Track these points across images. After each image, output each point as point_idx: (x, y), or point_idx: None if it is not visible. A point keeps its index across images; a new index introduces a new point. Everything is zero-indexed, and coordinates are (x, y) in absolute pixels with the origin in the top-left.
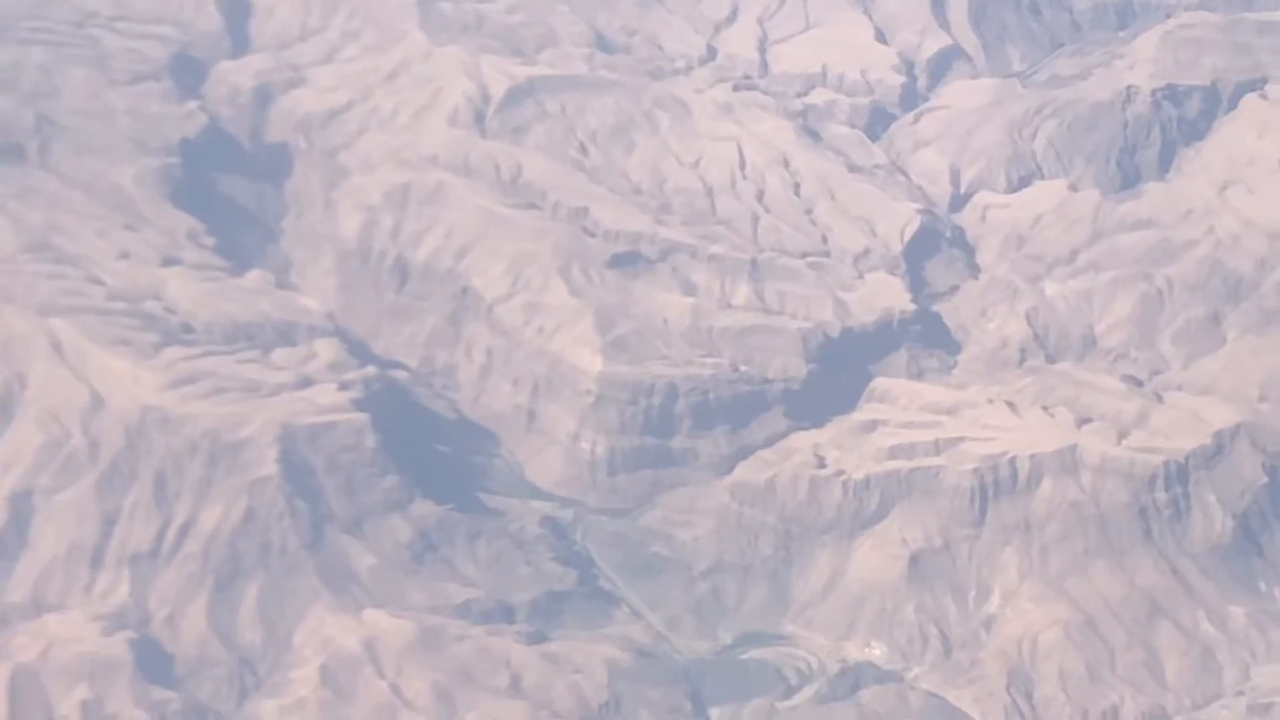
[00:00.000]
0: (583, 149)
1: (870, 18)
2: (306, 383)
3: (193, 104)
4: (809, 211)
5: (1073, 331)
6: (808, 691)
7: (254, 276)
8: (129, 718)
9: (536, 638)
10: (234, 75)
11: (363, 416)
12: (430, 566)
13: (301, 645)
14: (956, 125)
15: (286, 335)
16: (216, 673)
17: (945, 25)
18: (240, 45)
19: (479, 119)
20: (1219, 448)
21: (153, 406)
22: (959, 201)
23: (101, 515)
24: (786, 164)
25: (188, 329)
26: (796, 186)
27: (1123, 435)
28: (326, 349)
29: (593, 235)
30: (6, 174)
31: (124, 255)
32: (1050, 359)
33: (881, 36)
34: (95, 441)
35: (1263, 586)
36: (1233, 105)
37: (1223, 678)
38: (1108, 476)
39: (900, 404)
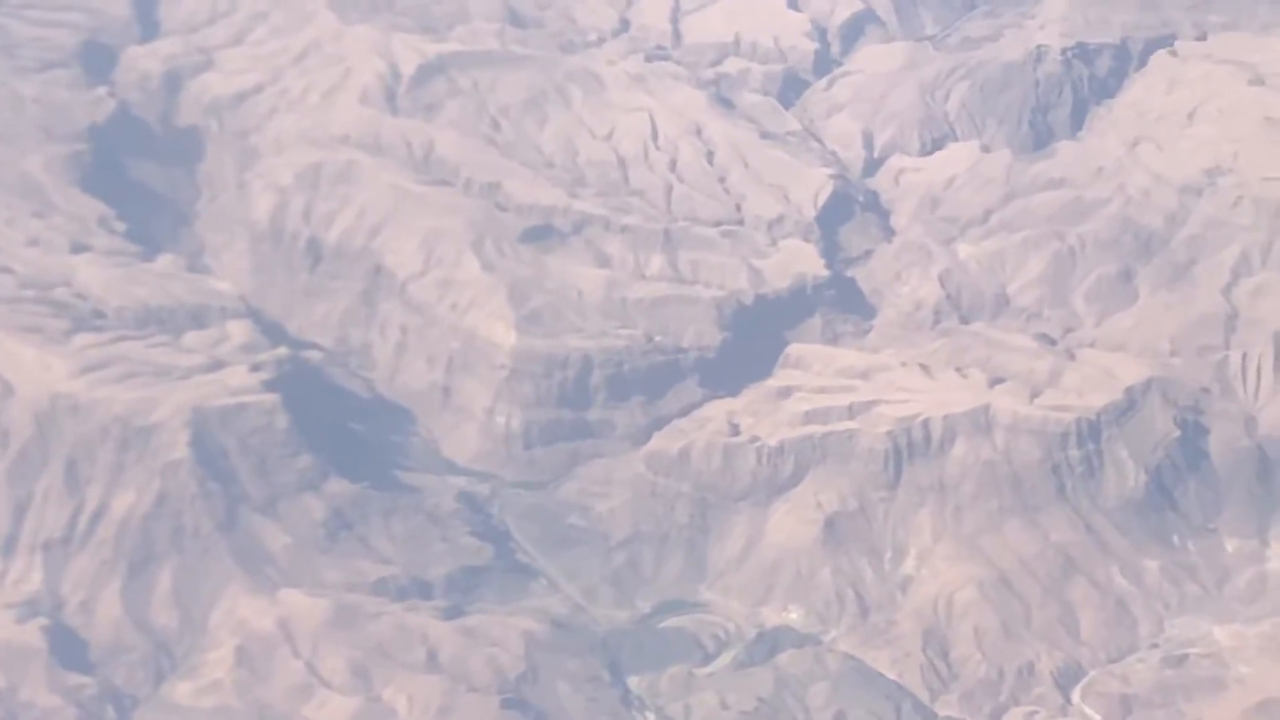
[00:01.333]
0: (495, 124)
1: None
2: (218, 365)
3: (102, 90)
4: (722, 180)
5: (986, 292)
6: (725, 657)
7: (165, 260)
8: (44, 704)
9: (453, 612)
10: (143, 60)
11: (274, 397)
12: (345, 545)
13: (217, 627)
14: (869, 90)
15: (198, 318)
16: (131, 657)
17: None
18: (149, 30)
19: (390, 97)
20: (1131, 403)
21: (63, 393)
22: (873, 165)
23: (13, 503)
24: (699, 133)
25: (99, 315)
26: (709, 155)
27: (1035, 394)
28: (238, 331)
29: (505, 210)
30: None
31: (33, 242)
32: (964, 320)
33: (794, 3)
34: (5, 430)
35: (1176, 539)
36: (1143, 62)
37: (1137, 631)
38: (1020, 435)
39: (815, 369)
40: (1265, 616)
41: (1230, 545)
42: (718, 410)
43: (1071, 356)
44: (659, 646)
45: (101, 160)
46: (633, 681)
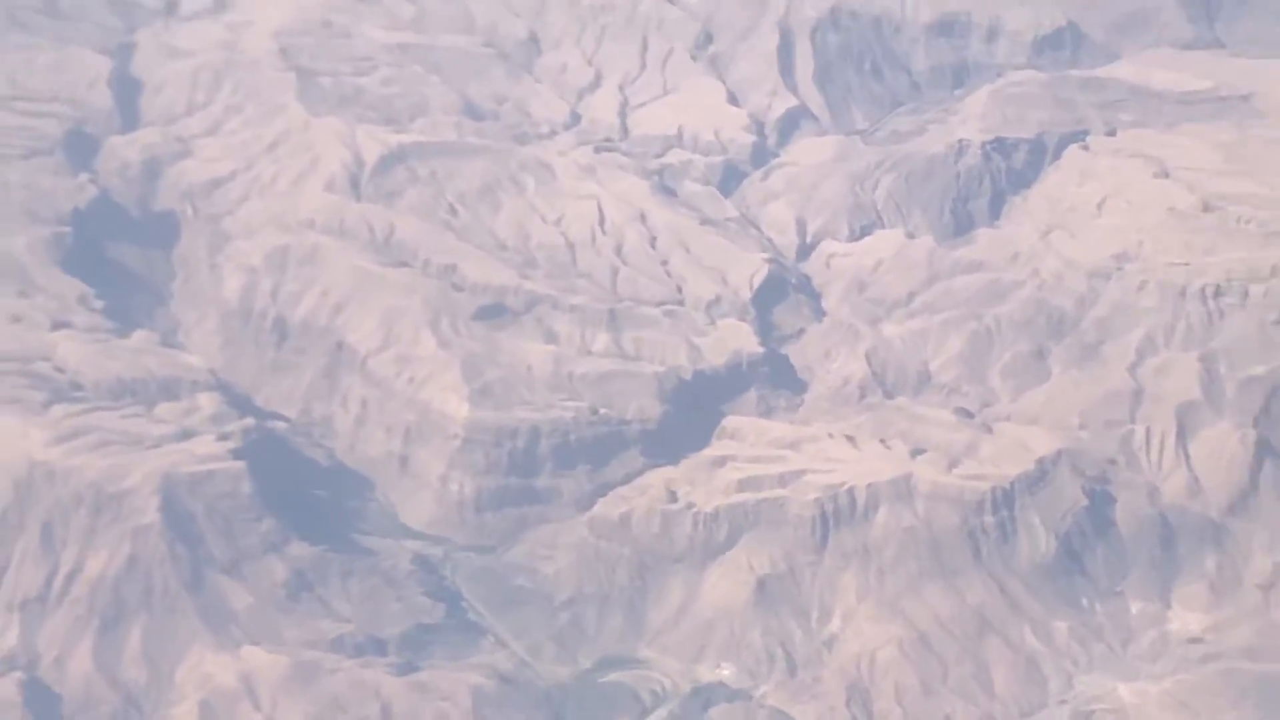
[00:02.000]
0: (452, 210)
1: (723, 82)
2: (188, 435)
3: (84, 176)
4: (664, 263)
5: (909, 369)
6: (662, 712)
7: (140, 336)
8: None
9: (407, 668)
10: (124, 149)
11: (240, 464)
12: (305, 604)
13: (182, 682)
14: (803, 180)
15: (170, 390)
16: (102, 711)
17: (793, 87)
18: (130, 121)
19: (354, 184)
20: (1042, 473)
21: (40, 461)
22: (805, 251)
23: None
24: (644, 219)
25: (76, 387)
26: (653, 240)
27: (953, 464)
28: (208, 402)
29: (460, 290)
30: None
31: (16, 319)
32: (888, 395)
33: (734, 99)
34: None
35: (1084, 602)
36: (1057, 155)
37: (1047, 688)
38: (939, 502)
39: (749, 441)
40: (1167, 675)
41: (1135, 607)
42: (657, 478)
43: (988, 429)
44: (599, 701)
45: (82, 242)
46: None
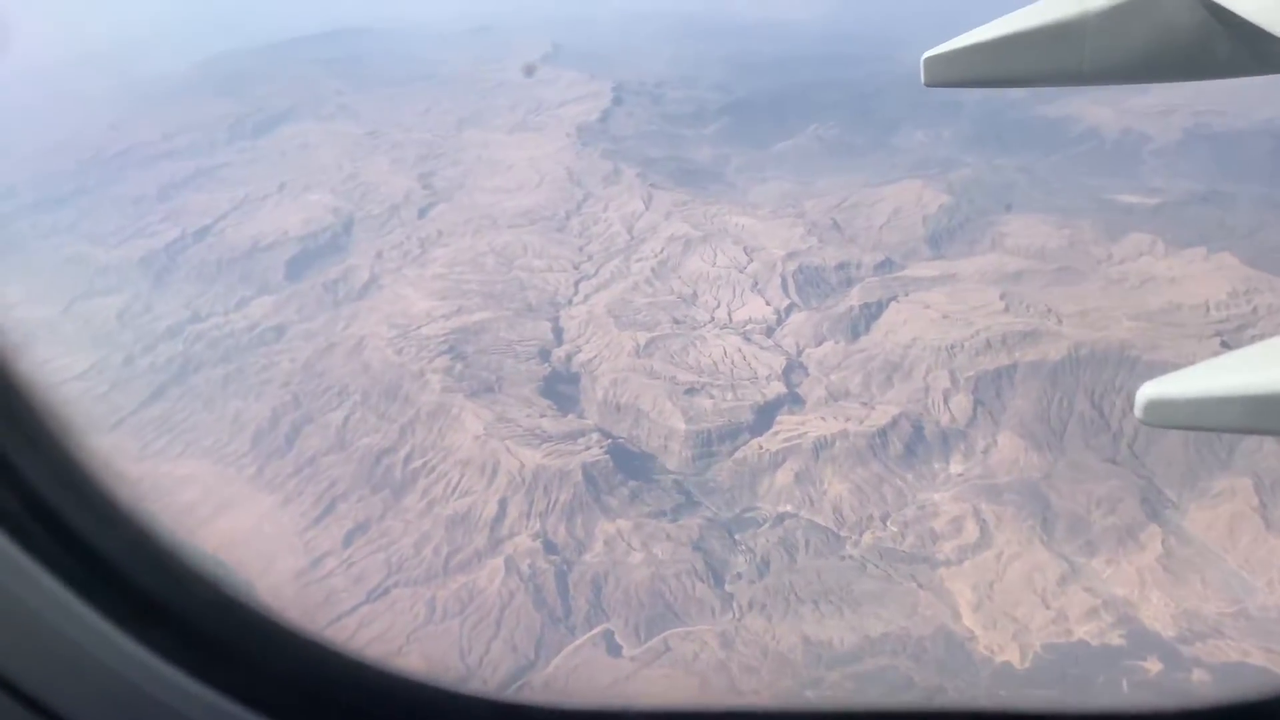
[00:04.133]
0: (672, 357)
1: (763, 297)
2: (587, 447)
3: (545, 365)
4: (750, 366)
5: (842, 391)
6: (766, 525)
7: (573, 418)
8: None
9: (674, 520)
10: (558, 351)
11: (606, 455)
12: (634, 503)
13: (597, 534)
14: (796, 328)
15: (569, 436)
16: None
17: (789, 295)
18: (560, 341)
19: (637, 353)
20: (894, 423)
21: (540, 464)
22: (800, 351)
23: None
24: (740, 350)
25: (550, 438)
26: (745, 359)
27: (860, 422)
28: (597, 439)
29: (678, 384)
30: None
31: (527, 416)
32: (834, 400)
33: (767, 304)
34: None
35: (918, 467)
36: (887, 305)
37: (906, 499)
38: (859, 438)
39: (786, 424)
40: (951, 489)
41: (935, 466)
42: (755, 442)
43: (871, 409)
44: (743, 523)
45: (546, 386)
46: None
